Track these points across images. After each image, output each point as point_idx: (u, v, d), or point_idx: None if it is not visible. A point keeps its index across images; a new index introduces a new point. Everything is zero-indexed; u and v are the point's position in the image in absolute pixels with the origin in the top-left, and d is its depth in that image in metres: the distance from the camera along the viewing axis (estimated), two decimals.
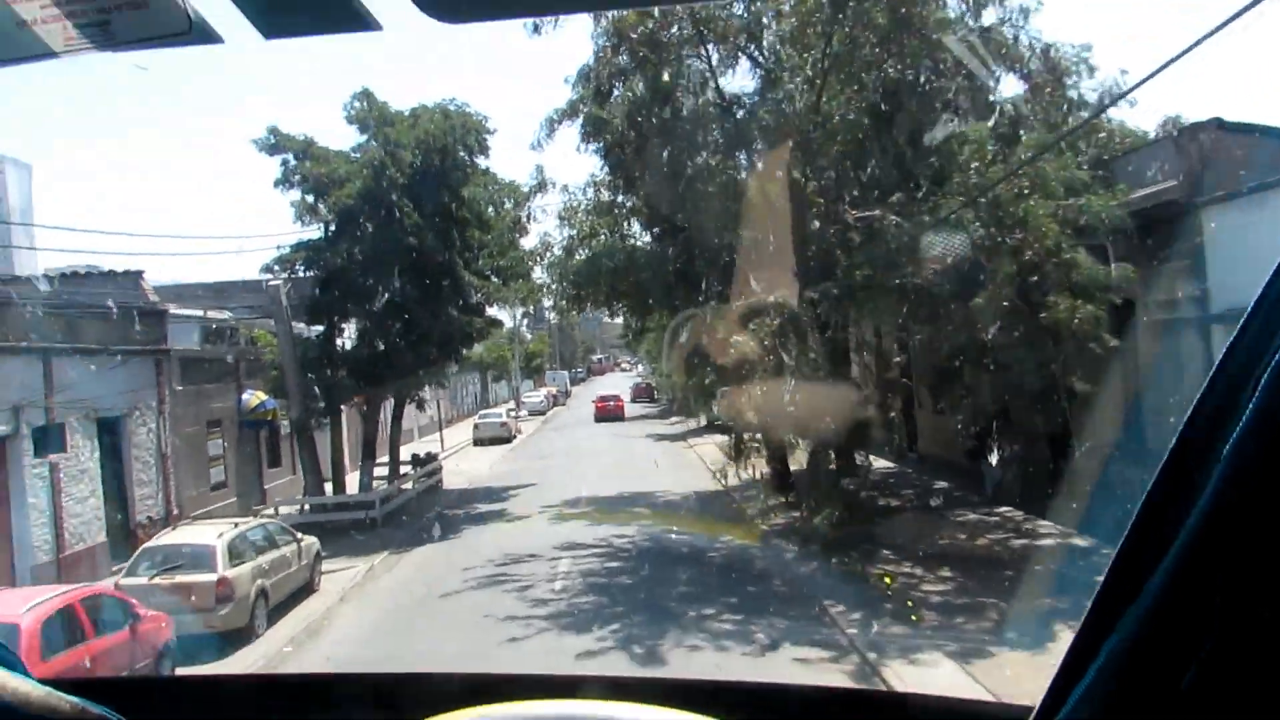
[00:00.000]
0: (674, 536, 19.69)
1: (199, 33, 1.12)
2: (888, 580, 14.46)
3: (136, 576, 14.00)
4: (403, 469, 28.07)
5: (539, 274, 23.24)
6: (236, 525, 15.52)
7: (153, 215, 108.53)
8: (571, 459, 33.54)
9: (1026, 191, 14.08)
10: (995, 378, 15.47)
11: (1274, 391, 0.80)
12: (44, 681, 1.10)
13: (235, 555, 14.20)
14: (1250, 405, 0.81)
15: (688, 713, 1.30)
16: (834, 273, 15.90)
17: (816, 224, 16.28)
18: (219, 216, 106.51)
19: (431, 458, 29.70)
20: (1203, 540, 0.83)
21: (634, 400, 65.30)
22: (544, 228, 31.06)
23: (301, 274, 22.60)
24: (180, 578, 13.69)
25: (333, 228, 23.16)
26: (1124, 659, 0.88)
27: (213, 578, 13.59)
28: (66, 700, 1.06)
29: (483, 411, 49.09)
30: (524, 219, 23.40)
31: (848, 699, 1.95)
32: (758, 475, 24.05)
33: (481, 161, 24.76)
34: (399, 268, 22.60)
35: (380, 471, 27.22)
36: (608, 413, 50.14)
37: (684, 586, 15.45)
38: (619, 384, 72.62)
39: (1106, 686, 0.89)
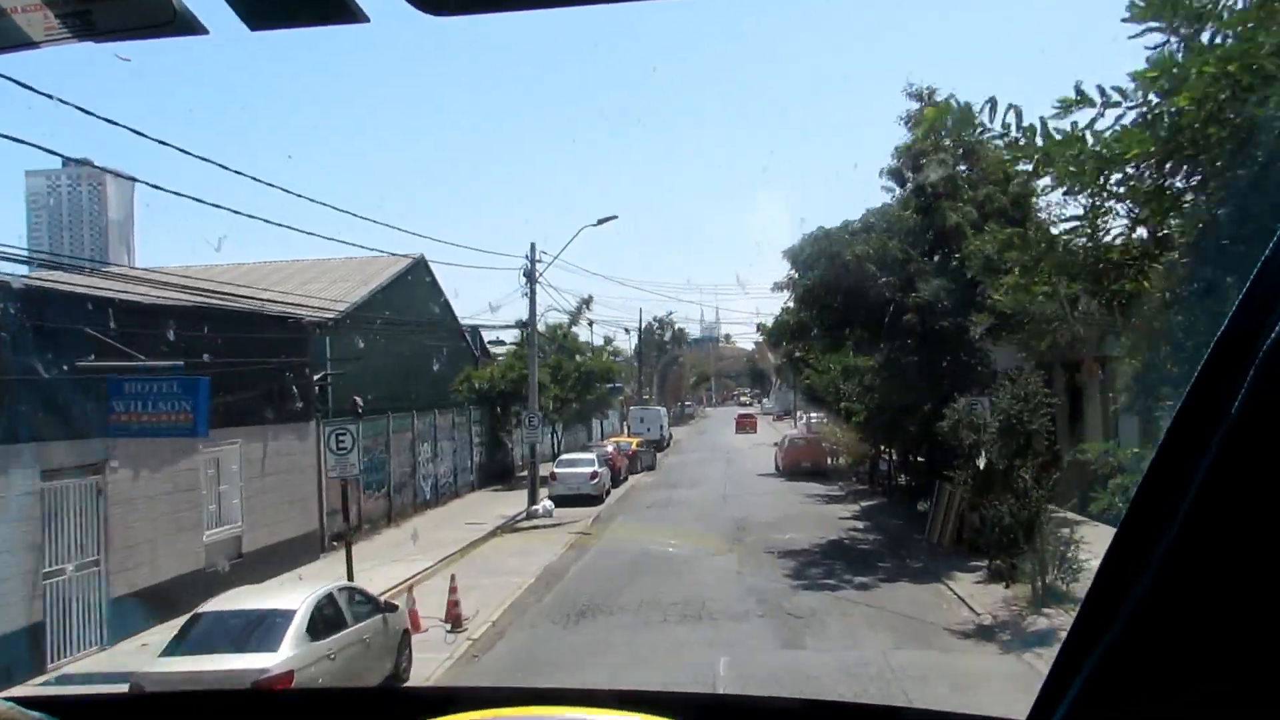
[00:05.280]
0: None
1: (183, 24, 1.13)
2: None
3: None
4: None
5: None
6: None
7: None
8: None
9: None
10: None
11: (1261, 392, 0.76)
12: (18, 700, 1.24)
13: None
14: (1236, 406, 0.77)
15: None
16: None
17: None
18: None
19: None
20: (1185, 551, 0.80)
21: (788, 471, 36.97)
22: None
23: None
24: None
25: None
26: (1107, 673, 0.86)
27: None
28: (27, 715, 1.23)
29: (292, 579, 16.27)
30: None
31: (843, 712, 1.84)
32: None
33: None
34: None
35: None
36: (743, 427, 67.43)
37: None
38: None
39: (1091, 701, 0.87)
